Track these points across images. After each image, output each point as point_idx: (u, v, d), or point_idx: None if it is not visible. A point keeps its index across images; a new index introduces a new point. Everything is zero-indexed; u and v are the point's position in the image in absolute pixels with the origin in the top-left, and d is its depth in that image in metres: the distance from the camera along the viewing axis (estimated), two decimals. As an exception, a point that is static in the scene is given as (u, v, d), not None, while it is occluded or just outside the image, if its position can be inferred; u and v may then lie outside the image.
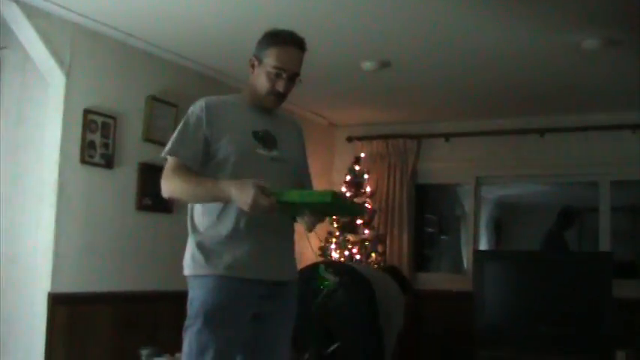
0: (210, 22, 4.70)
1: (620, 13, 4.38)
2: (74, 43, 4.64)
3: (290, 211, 2.92)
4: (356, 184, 6.96)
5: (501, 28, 4.67)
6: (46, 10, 4.42)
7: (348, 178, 6.99)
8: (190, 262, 2.96)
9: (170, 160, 2.93)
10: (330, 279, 4.69)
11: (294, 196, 2.81)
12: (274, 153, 3.01)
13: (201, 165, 2.94)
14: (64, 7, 4.46)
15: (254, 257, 2.92)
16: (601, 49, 4.80)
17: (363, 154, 7.32)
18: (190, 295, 2.97)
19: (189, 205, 3.05)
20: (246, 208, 2.75)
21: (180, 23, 4.77)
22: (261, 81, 2.98)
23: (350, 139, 7.65)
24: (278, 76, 2.96)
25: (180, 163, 2.91)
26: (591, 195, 6.96)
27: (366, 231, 6.80)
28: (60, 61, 4.55)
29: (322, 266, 4.92)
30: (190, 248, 2.99)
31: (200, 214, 2.98)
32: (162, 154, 2.99)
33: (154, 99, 5.18)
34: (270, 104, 3.05)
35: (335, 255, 6.61)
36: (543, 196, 9.19)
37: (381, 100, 6.76)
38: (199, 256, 2.92)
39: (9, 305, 4.64)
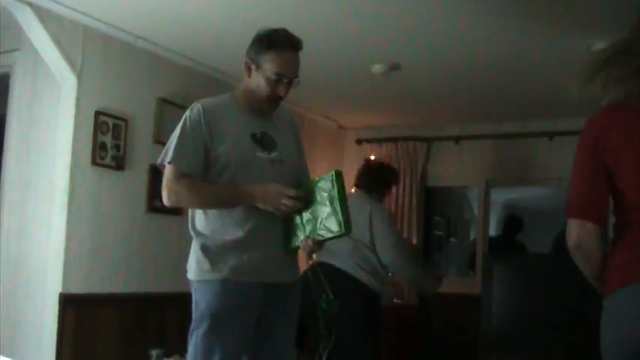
0: (219, 24, 4.72)
1: (629, 17, 4.36)
2: (85, 45, 4.67)
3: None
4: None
5: (512, 32, 4.67)
6: (58, 13, 4.45)
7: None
8: (195, 266, 2.97)
9: (171, 169, 2.90)
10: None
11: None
12: (273, 155, 3.00)
13: (203, 172, 2.95)
14: (75, 10, 4.49)
15: (258, 261, 2.94)
16: (610, 52, 4.79)
17: (373, 157, 7.32)
18: (195, 298, 2.98)
19: (190, 210, 3.06)
20: (272, 204, 2.86)
21: (189, 26, 4.79)
22: (260, 85, 2.96)
23: (359, 142, 7.65)
24: (278, 81, 2.95)
25: (183, 172, 2.89)
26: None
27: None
28: (72, 64, 4.57)
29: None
30: (195, 252, 3.00)
31: (203, 219, 2.98)
32: (161, 162, 2.96)
33: (164, 101, 5.20)
34: (269, 108, 3.04)
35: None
36: (552, 199, 9.15)
37: (390, 103, 6.76)
38: (204, 261, 2.93)
39: (20, 306, 4.67)
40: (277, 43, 2.95)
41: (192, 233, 3.02)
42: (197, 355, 2.92)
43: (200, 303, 2.95)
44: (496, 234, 8.12)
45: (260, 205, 2.89)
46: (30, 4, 4.28)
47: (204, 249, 2.95)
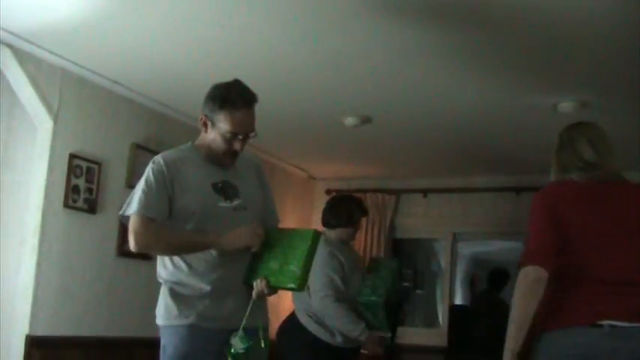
0: (193, 71, 4.77)
1: (593, 78, 4.52)
2: (62, 88, 4.72)
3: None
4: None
5: (480, 89, 4.80)
6: (37, 55, 4.50)
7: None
8: (164, 311, 3.00)
9: (137, 217, 2.92)
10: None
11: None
12: (236, 202, 3.02)
13: (166, 222, 2.97)
14: (53, 53, 4.55)
15: (224, 309, 2.97)
16: (575, 111, 4.92)
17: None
18: (163, 342, 3.01)
19: (158, 257, 3.09)
20: (242, 241, 2.90)
21: (164, 72, 4.86)
22: (216, 141, 2.98)
23: (329, 192, 7.71)
24: (234, 138, 2.96)
25: (150, 218, 2.91)
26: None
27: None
28: (48, 106, 4.61)
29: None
30: (163, 298, 3.02)
31: (171, 268, 3.01)
32: (124, 212, 2.99)
33: (137, 146, 5.25)
34: (227, 162, 3.06)
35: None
36: (518, 253, 9.26)
37: (361, 155, 6.85)
38: (173, 306, 2.96)
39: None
40: (229, 102, 2.94)
41: (160, 280, 3.05)
42: (164, 397, 2.94)
43: (168, 347, 2.98)
44: (480, 290, 8.14)
45: (229, 247, 2.93)
46: (9, 46, 4.33)
47: (173, 294, 2.97)
